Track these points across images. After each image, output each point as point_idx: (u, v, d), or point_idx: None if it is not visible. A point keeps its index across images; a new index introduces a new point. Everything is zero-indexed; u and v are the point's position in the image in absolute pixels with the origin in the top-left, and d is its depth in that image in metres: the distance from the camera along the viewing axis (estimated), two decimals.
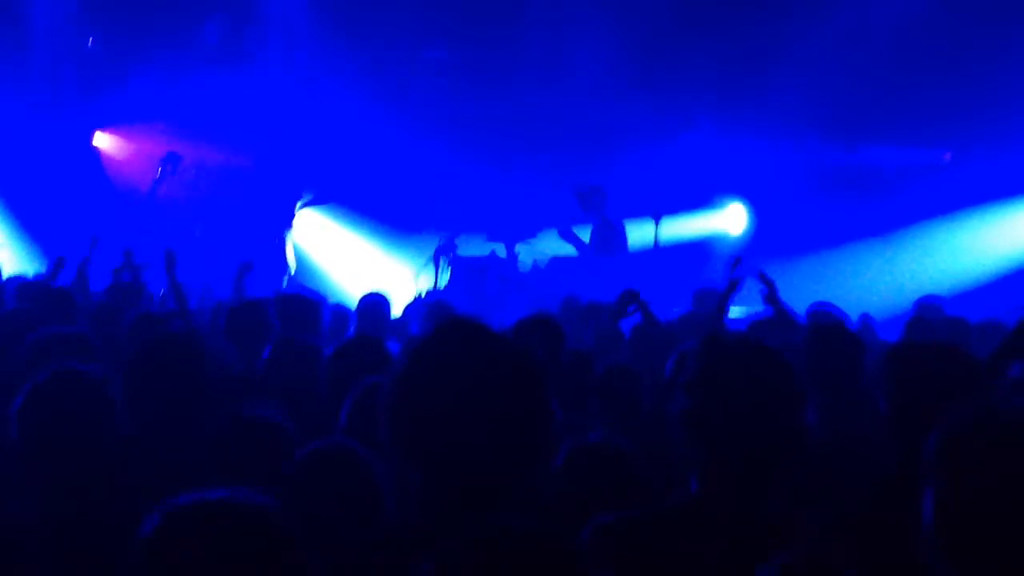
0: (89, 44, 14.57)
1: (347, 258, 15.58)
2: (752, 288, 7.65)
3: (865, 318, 9.04)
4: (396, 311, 9.02)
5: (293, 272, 12.81)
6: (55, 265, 8.98)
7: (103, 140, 15.27)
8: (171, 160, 13.00)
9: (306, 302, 7.08)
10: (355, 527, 3.10)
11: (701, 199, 14.99)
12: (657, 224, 12.20)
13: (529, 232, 13.08)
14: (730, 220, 15.22)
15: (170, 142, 14.25)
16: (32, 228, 14.36)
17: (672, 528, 2.71)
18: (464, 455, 2.34)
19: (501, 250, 13.01)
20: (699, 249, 14.83)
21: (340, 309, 8.64)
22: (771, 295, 7.31)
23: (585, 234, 12.56)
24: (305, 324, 6.56)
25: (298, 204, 12.70)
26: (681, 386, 2.81)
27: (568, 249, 12.78)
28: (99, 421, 3.48)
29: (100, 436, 3.47)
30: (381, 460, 3.19)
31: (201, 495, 2.04)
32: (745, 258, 7.93)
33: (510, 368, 2.41)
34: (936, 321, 7.66)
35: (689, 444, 2.77)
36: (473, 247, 13.26)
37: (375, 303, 8.24)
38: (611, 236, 12.37)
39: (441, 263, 12.91)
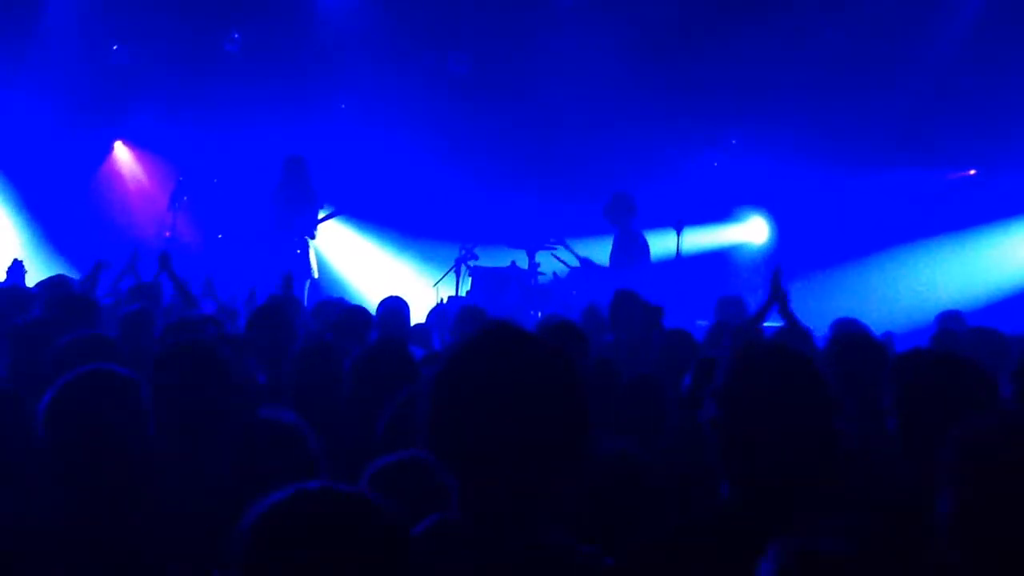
0: (114, 49, 14.62)
1: (368, 266, 15.65)
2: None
3: (888, 336, 9.01)
4: (416, 318, 9.01)
5: (316, 278, 12.84)
6: (93, 270, 9.05)
7: (122, 152, 15.36)
8: (181, 190, 13.13)
9: (359, 312, 7.16)
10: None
11: (723, 211, 14.98)
12: (679, 234, 12.18)
13: (551, 242, 13.06)
14: (752, 232, 15.20)
15: (187, 160, 14.40)
16: (51, 234, 14.46)
17: (702, 539, 2.70)
18: (507, 456, 2.31)
19: (522, 260, 13.01)
20: (721, 260, 14.83)
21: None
22: (783, 307, 7.32)
23: (607, 246, 12.55)
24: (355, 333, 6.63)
25: (321, 213, 12.73)
26: (711, 394, 2.79)
27: (590, 258, 12.77)
28: (128, 422, 3.48)
29: (128, 437, 3.47)
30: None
31: (309, 487, 2.01)
32: (767, 270, 7.92)
33: (553, 371, 2.39)
34: (962, 333, 7.61)
35: (720, 452, 2.76)
36: (494, 257, 13.27)
37: (396, 307, 8.24)
38: (633, 246, 12.35)
39: (462, 272, 12.93)
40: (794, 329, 7.07)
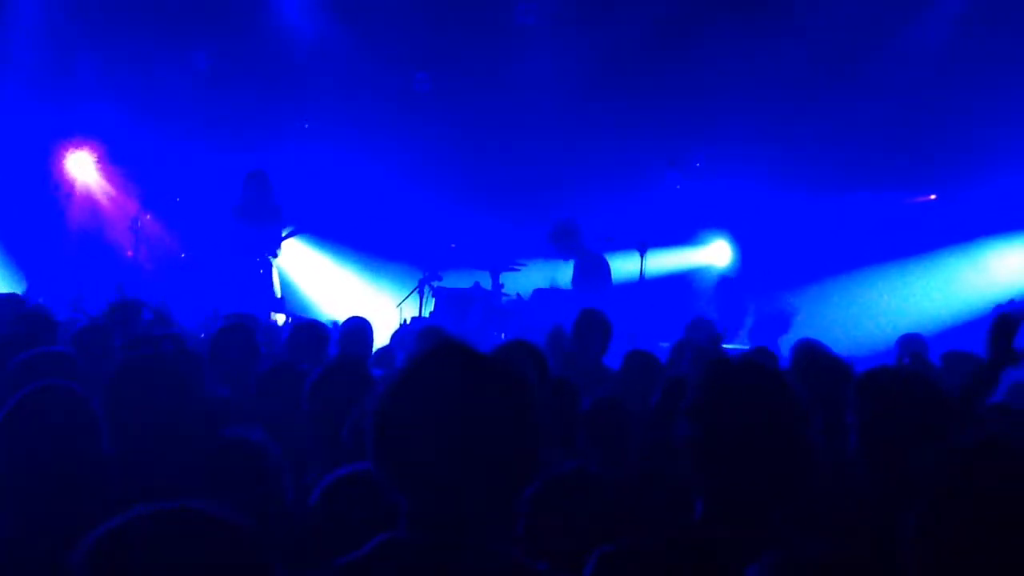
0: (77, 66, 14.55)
1: (331, 286, 15.60)
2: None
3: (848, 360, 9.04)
4: (379, 339, 8.98)
5: (279, 297, 12.79)
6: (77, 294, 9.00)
7: (76, 158, 15.19)
8: (139, 218, 13.07)
9: (316, 329, 7.12)
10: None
11: (686, 234, 15.04)
12: (643, 257, 12.22)
13: (514, 263, 13.07)
14: (715, 255, 15.26)
15: (150, 176, 14.33)
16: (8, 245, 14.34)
17: (679, 555, 2.68)
18: (453, 476, 2.29)
19: (485, 281, 13.00)
20: (684, 282, 14.88)
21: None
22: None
23: (567, 272, 12.55)
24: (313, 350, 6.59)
25: (284, 232, 12.69)
26: (684, 412, 2.78)
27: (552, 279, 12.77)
28: (82, 438, 3.44)
29: (82, 453, 3.43)
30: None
31: (170, 504, 1.96)
32: (730, 292, 7.98)
33: (502, 390, 2.38)
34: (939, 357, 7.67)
35: (694, 469, 2.74)
36: (457, 278, 13.26)
37: (358, 327, 8.21)
38: (595, 269, 12.36)
39: (425, 293, 12.90)
40: (761, 350, 7.10)
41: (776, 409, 2.72)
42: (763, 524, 2.64)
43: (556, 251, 12.53)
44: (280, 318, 12.13)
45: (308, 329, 7.35)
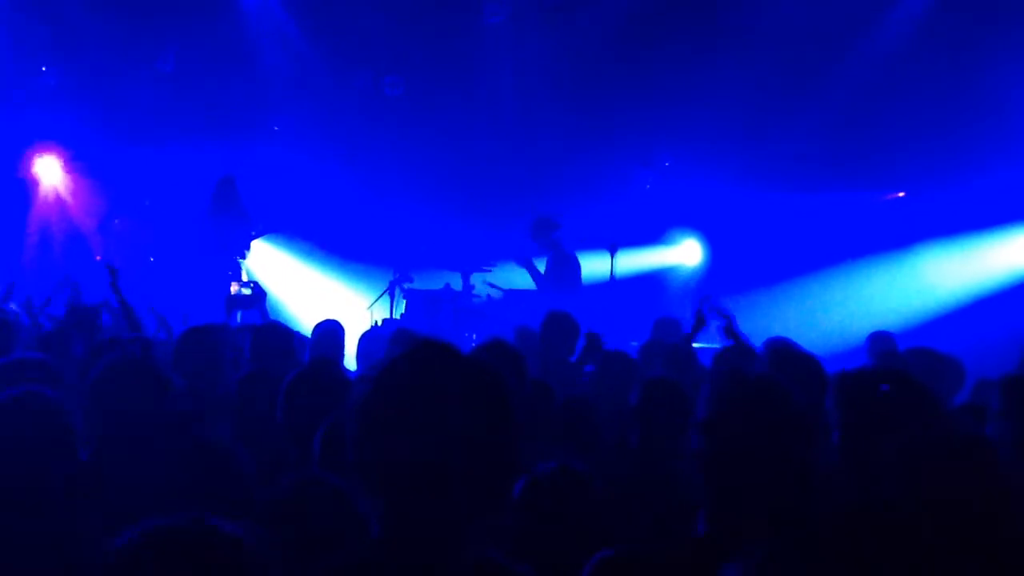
0: (43, 70, 14.44)
1: (301, 288, 15.54)
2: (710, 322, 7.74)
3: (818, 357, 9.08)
4: (350, 341, 8.96)
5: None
6: (6, 290, 8.89)
7: (43, 164, 15.07)
8: (108, 223, 12.98)
9: (281, 332, 7.04)
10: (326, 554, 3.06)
11: (656, 234, 15.07)
12: (612, 256, 12.26)
13: (484, 264, 13.08)
14: (685, 254, 15.31)
15: (118, 180, 14.23)
16: None
17: (679, 565, 2.69)
18: (432, 474, 2.29)
19: (456, 282, 12.99)
20: (654, 282, 14.92)
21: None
22: (729, 328, 7.42)
23: (541, 266, 12.57)
24: (280, 353, 6.53)
25: (252, 233, 12.63)
26: (696, 426, 2.79)
27: (523, 281, 12.78)
28: (58, 444, 3.42)
29: (59, 459, 3.40)
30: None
31: (173, 519, 1.97)
32: (704, 293, 8.03)
33: (481, 390, 2.37)
34: (901, 353, 7.73)
35: (703, 481, 2.77)
36: (428, 279, 13.25)
37: (331, 330, 8.18)
38: (566, 268, 12.38)
39: (396, 294, 12.89)
40: (741, 348, 7.13)
41: (785, 429, 2.75)
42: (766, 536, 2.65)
43: (533, 245, 12.55)
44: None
45: (272, 332, 7.23)
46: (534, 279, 12.49)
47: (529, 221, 12.62)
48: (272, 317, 9.66)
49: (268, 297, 9.89)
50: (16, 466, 3.33)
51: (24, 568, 3.16)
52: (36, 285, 11.15)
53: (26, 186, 14.98)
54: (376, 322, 12.56)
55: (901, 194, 14.31)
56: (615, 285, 12.35)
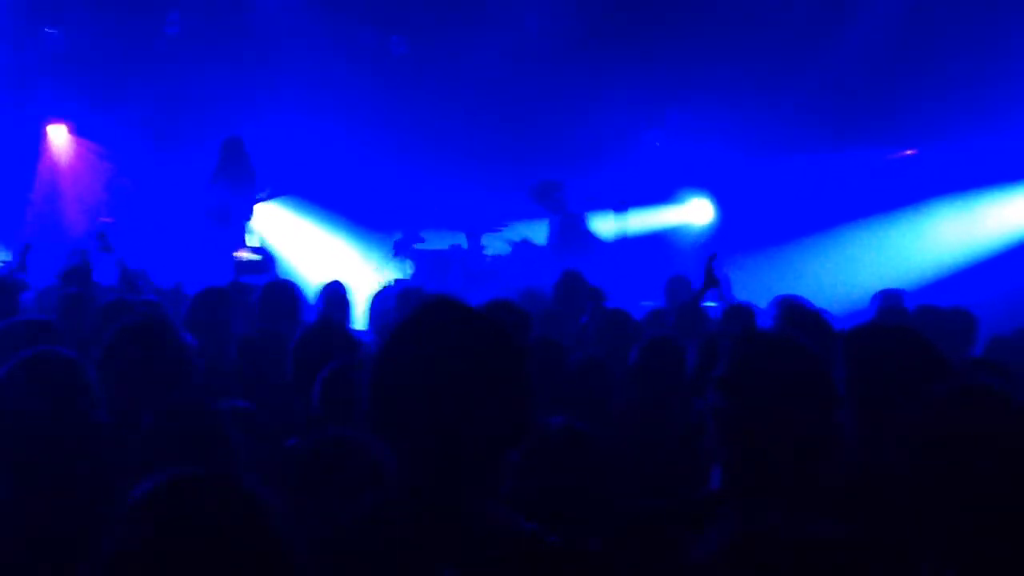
0: (46, 31, 14.38)
1: (308, 250, 15.54)
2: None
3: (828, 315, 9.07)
4: (358, 301, 8.95)
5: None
6: (21, 253, 8.87)
7: (56, 133, 15.06)
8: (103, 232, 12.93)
9: (287, 290, 7.04)
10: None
11: (665, 193, 15.03)
12: (622, 215, 12.23)
13: (493, 224, 13.06)
14: (695, 213, 15.27)
15: (123, 145, 14.20)
16: None
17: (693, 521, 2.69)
18: (446, 430, 2.31)
19: (464, 242, 12.99)
20: (663, 241, 14.89)
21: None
22: (720, 291, 7.45)
23: (544, 230, 12.55)
24: (287, 312, 6.53)
25: (259, 196, 12.60)
26: (715, 382, 2.78)
27: (532, 239, 12.76)
28: (75, 405, 3.40)
29: (75, 420, 3.39)
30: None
31: (191, 469, 1.96)
32: (708, 252, 8.01)
33: (493, 345, 2.39)
34: (909, 312, 7.70)
35: (719, 440, 2.75)
36: (437, 239, 13.24)
37: (337, 290, 8.18)
38: (574, 229, 12.36)
39: (404, 254, 12.89)
40: (737, 309, 7.13)
41: (809, 389, 2.72)
42: (780, 500, 2.65)
43: (539, 208, 12.53)
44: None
45: (280, 290, 7.21)
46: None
47: (532, 187, 12.56)
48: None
49: (277, 262, 9.88)
50: (35, 427, 3.33)
51: (48, 525, 3.17)
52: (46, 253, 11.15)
53: (35, 153, 14.96)
54: (388, 282, 12.56)
55: (911, 152, 14.24)
56: (625, 244, 12.32)
